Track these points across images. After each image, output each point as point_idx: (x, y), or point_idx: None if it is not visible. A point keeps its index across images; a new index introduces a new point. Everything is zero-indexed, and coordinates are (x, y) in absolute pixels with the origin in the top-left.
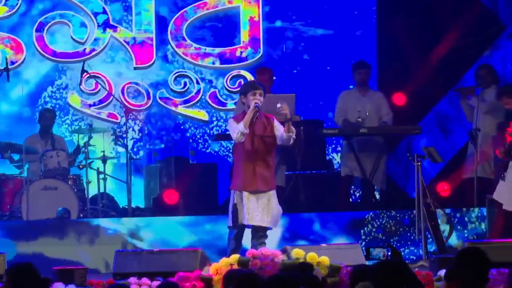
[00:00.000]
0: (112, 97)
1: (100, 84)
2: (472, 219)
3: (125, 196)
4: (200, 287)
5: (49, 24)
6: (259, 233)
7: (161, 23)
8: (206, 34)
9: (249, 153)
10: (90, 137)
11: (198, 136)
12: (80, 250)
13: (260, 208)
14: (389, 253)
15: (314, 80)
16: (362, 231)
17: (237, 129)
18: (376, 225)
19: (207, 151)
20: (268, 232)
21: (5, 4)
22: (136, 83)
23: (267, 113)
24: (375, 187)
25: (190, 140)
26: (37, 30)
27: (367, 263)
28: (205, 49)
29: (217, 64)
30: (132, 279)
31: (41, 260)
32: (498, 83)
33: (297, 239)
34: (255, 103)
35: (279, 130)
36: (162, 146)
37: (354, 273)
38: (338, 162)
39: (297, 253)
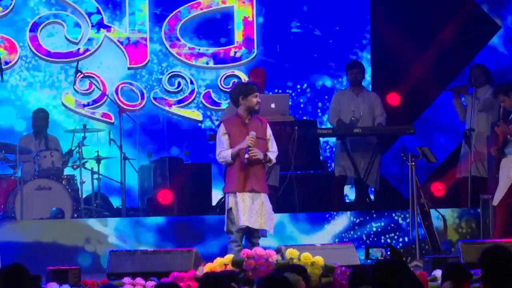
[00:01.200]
0: (106, 97)
1: (94, 84)
2: (465, 219)
3: (119, 196)
4: (195, 287)
5: (43, 24)
6: (254, 234)
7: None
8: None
9: (243, 154)
10: (84, 137)
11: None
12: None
13: (255, 210)
14: (388, 253)
15: (307, 79)
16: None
17: (224, 156)
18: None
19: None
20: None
21: None
22: (130, 83)
23: (261, 114)
24: (369, 187)
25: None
26: (31, 30)
27: (362, 262)
28: (199, 49)
29: (211, 64)
30: (126, 279)
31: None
32: (491, 82)
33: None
34: (249, 145)
35: (270, 148)
36: (156, 146)
37: (353, 275)
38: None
39: (291, 253)
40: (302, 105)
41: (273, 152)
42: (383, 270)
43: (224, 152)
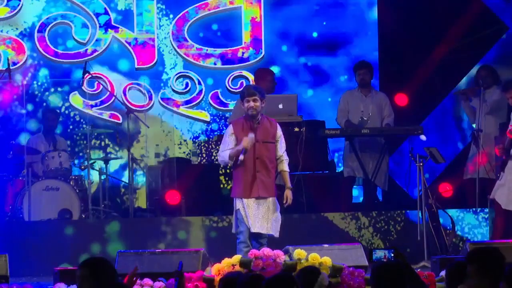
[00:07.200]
0: (114, 97)
1: (102, 84)
2: (473, 220)
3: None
4: (203, 287)
5: (51, 25)
6: (261, 235)
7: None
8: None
9: (250, 159)
10: (91, 138)
11: (201, 138)
12: None
13: (261, 215)
14: (392, 255)
15: (315, 80)
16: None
17: (223, 156)
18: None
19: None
20: None
21: (6, 5)
22: (138, 84)
23: (269, 115)
24: (377, 188)
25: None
26: (39, 31)
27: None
28: (207, 50)
29: (219, 65)
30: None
31: None
32: (498, 83)
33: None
34: (244, 147)
35: (279, 150)
36: (164, 146)
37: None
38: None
39: (299, 253)
40: (309, 106)
41: (284, 160)
42: (385, 272)
43: (224, 152)
